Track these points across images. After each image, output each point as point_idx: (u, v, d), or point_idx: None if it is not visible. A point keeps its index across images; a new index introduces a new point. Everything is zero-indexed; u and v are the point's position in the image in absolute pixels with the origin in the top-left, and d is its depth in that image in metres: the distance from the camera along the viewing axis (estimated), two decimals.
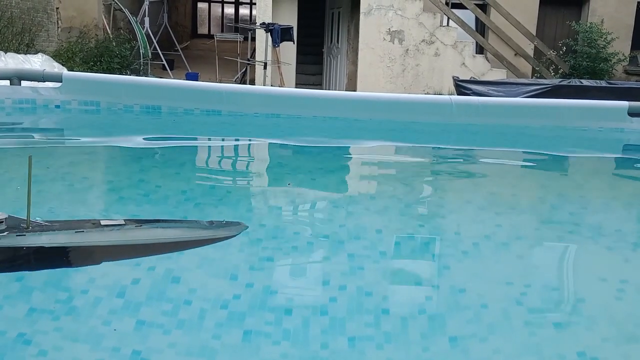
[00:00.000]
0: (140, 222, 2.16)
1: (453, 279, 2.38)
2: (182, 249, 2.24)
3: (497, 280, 2.35)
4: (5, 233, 1.87)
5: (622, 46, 12.95)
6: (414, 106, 5.50)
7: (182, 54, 13.31)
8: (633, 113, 5.12)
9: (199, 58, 15.23)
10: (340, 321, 1.91)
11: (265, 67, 10.88)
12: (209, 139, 5.33)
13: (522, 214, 3.30)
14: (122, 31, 12.12)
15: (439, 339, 1.86)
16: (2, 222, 1.87)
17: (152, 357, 1.76)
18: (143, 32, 11.70)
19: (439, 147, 5.27)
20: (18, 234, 1.91)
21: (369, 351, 1.78)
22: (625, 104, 5.17)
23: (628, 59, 13.41)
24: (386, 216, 3.10)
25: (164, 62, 12.22)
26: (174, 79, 10.69)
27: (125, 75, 9.51)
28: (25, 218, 1.88)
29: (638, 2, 13.24)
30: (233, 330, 1.87)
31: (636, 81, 12.31)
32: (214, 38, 14.01)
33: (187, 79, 10.95)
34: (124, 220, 2.07)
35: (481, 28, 12.90)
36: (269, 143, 5.20)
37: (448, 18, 11.92)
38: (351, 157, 5.02)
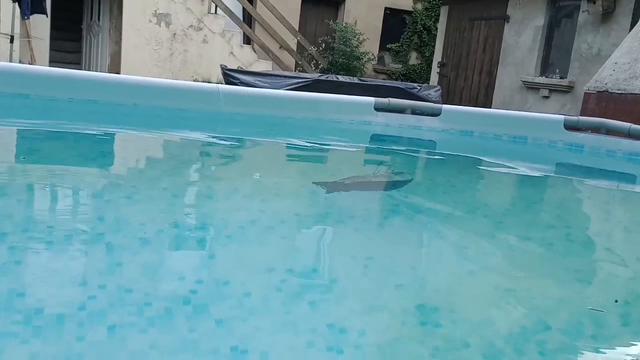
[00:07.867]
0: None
1: (215, 267, 2.42)
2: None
3: (258, 266, 2.46)
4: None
5: (372, 46, 14.44)
6: (181, 93, 5.43)
7: None
8: (378, 108, 5.77)
9: None
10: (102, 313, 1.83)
11: (12, 41, 9.68)
12: None
13: (284, 199, 3.49)
14: None
15: (204, 322, 1.90)
16: None
17: None
18: None
19: (209, 136, 5.30)
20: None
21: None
22: (372, 99, 5.80)
23: (377, 59, 15.00)
24: (149, 206, 3.02)
25: None
26: None
27: None
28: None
29: (385, 7, 14.86)
30: None
31: (383, 79, 13.85)
32: None
33: None
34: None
35: (248, 19, 13.22)
36: (19, 127, 4.67)
37: (216, 6, 11.95)
38: (113, 145, 4.77)
